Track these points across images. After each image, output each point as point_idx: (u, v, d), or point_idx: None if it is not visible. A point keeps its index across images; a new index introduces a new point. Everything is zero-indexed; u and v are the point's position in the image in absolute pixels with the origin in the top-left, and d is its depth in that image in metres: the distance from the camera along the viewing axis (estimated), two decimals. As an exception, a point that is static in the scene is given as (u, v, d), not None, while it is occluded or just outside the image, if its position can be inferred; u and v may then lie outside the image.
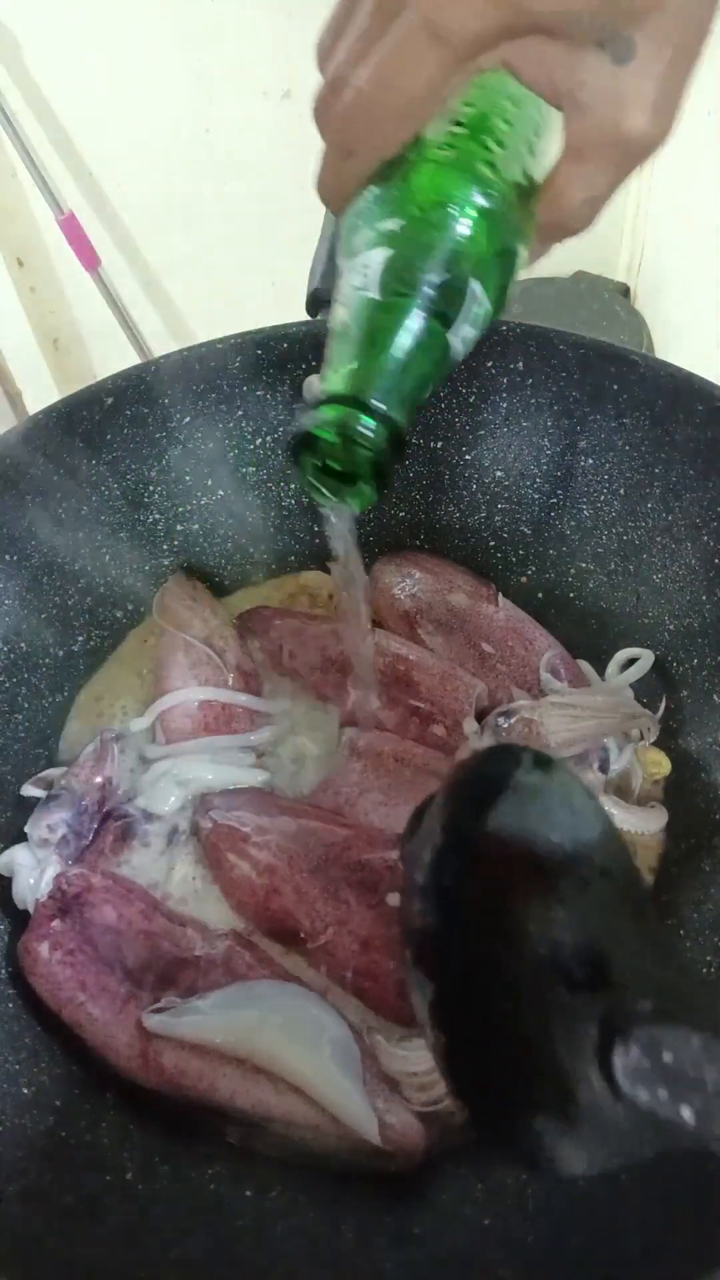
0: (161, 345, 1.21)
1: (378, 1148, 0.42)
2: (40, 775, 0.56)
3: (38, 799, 0.54)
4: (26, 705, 0.58)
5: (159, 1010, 0.45)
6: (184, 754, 0.56)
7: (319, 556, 0.67)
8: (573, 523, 0.62)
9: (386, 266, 0.31)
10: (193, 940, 0.49)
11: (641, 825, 0.54)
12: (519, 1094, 0.27)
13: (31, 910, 0.50)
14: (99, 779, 0.55)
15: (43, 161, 1.07)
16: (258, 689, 0.61)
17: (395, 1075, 0.45)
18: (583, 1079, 0.25)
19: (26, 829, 0.52)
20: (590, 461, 0.60)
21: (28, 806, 0.54)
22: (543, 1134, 0.26)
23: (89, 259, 1.13)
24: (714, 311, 0.86)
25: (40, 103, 1.07)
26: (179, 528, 0.64)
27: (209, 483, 0.63)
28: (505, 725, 0.55)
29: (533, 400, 0.60)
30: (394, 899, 0.49)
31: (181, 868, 0.53)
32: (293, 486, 0.65)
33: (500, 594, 0.62)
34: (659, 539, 0.58)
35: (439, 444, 0.63)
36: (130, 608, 0.64)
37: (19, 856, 0.52)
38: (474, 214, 0.31)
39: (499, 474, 0.63)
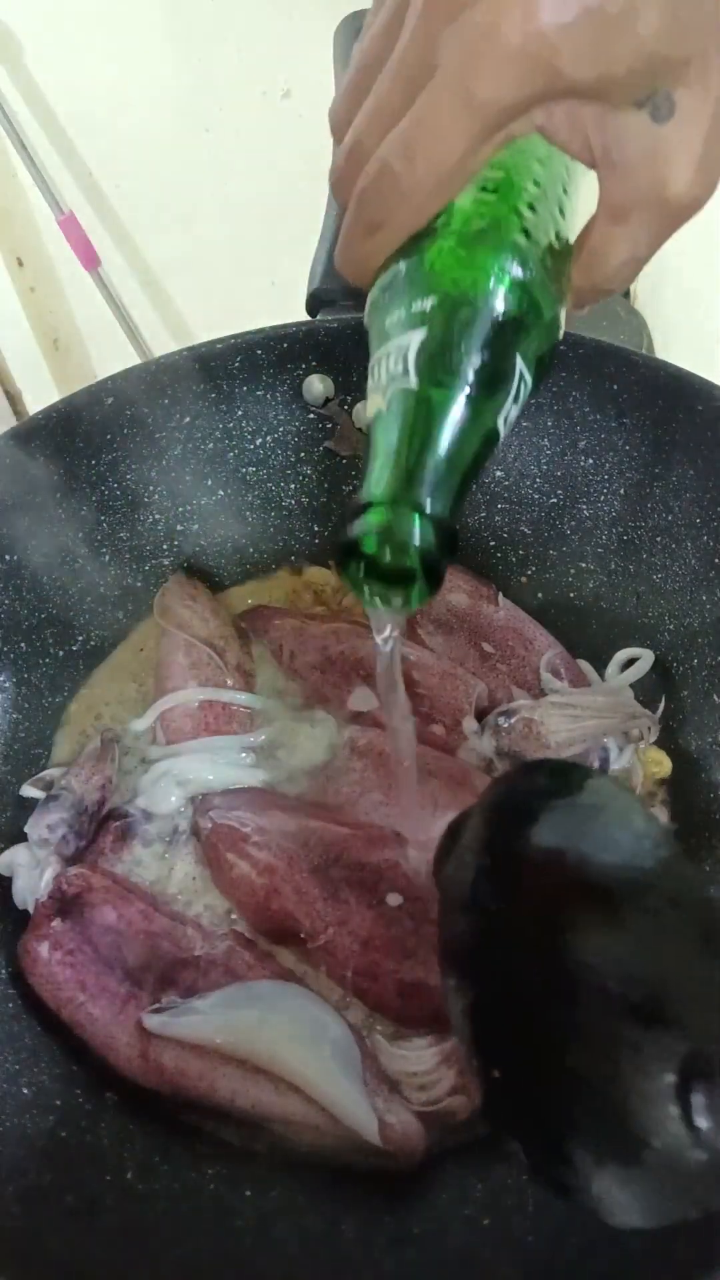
0: (161, 345, 1.22)
1: (378, 1148, 0.42)
2: (40, 775, 0.56)
3: (38, 799, 0.54)
4: (26, 705, 0.58)
5: (159, 1010, 0.45)
6: (184, 754, 0.56)
7: (319, 556, 0.67)
8: (573, 523, 0.62)
9: (422, 351, 0.28)
10: (193, 940, 0.49)
11: (642, 825, 0.54)
12: (569, 1127, 0.25)
13: (31, 910, 0.50)
14: (99, 779, 0.55)
15: (43, 161, 1.07)
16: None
17: (395, 1075, 0.45)
18: (651, 1120, 0.24)
19: (26, 829, 0.52)
20: (590, 461, 0.60)
21: (28, 806, 0.54)
22: (593, 1175, 0.25)
23: (89, 259, 1.13)
24: (714, 311, 0.86)
25: (40, 103, 1.08)
26: (179, 528, 0.64)
27: (209, 483, 0.64)
28: (505, 725, 0.55)
29: (533, 400, 0.59)
30: (394, 899, 0.49)
31: (181, 868, 0.53)
32: (293, 486, 0.65)
33: (500, 594, 0.62)
34: (659, 539, 0.58)
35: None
36: (130, 608, 0.64)
37: (19, 856, 0.51)
38: (512, 285, 0.29)
39: (499, 474, 0.63)
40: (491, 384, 0.29)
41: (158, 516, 0.63)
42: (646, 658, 0.59)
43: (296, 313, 0.60)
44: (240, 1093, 0.43)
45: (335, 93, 0.32)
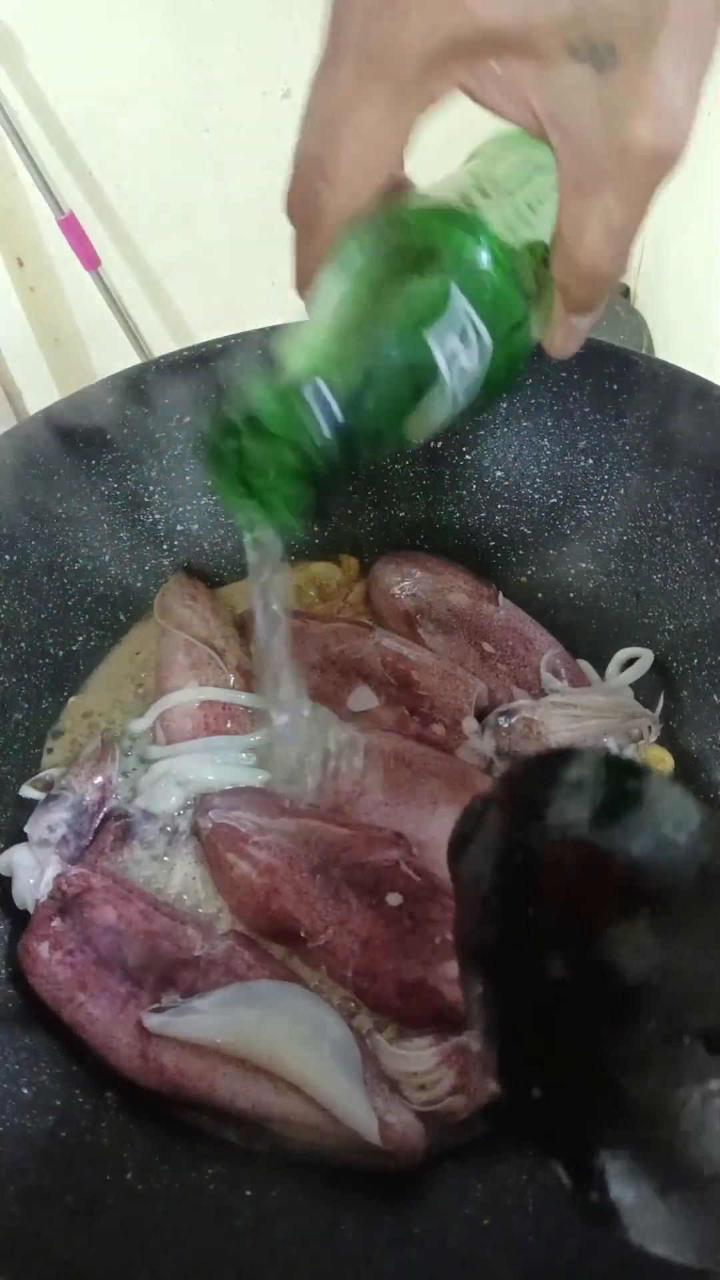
0: (161, 345, 1.21)
1: (378, 1148, 0.42)
2: (40, 775, 0.56)
3: (38, 799, 0.54)
4: (26, 705, 0.58)
5: (159, 1010, 0.45)
6: (184, 754, 0.56)
7: (320, 552, 0.67)
8: (573, 523, 0.62)
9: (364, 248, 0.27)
10: (193, 940, 0.49)
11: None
12: (623, 1150, 0.24)
13: (31, 910, 0.50)
14: (99, 779, 0.55)
15: (43, 161, 1.07)
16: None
17: (395, 1075, 0.45)
18: (695, 1138, 0.22)
19: (26, 829, 0.52)
20: (590, 461, 0.60)
21: (28, 806, 0.54)
22: (623, 1188, 0.23)
23: (89, 259, 1.12)
24: (714, 311, 0.86)
25: (40, 103, 1.07)
26: (179, 528, 0.64)
27: (209, 483, 0.63)
28: (506, 725, 0.55)
29: (533, 400, 0.60)
30: (394, 899, 0.49)
31: (181, 868, 0.53)
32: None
33: (500, 594, 0.62)
34: (659, 539, 0.58)
35: (439, 443, 0.63)
36: (130, 608, 0.64)
37: (19, 856, 0.51)
38: (463, 223, 0.28)
39: (499, 474, 0.63)
40: (429, 305, 0.27)
41: (158, 516, 0.63)
42: (646, 657, 0.59)
43: (296, 313, 0.60)
44: (240, 1093, 0.43)
45: None
